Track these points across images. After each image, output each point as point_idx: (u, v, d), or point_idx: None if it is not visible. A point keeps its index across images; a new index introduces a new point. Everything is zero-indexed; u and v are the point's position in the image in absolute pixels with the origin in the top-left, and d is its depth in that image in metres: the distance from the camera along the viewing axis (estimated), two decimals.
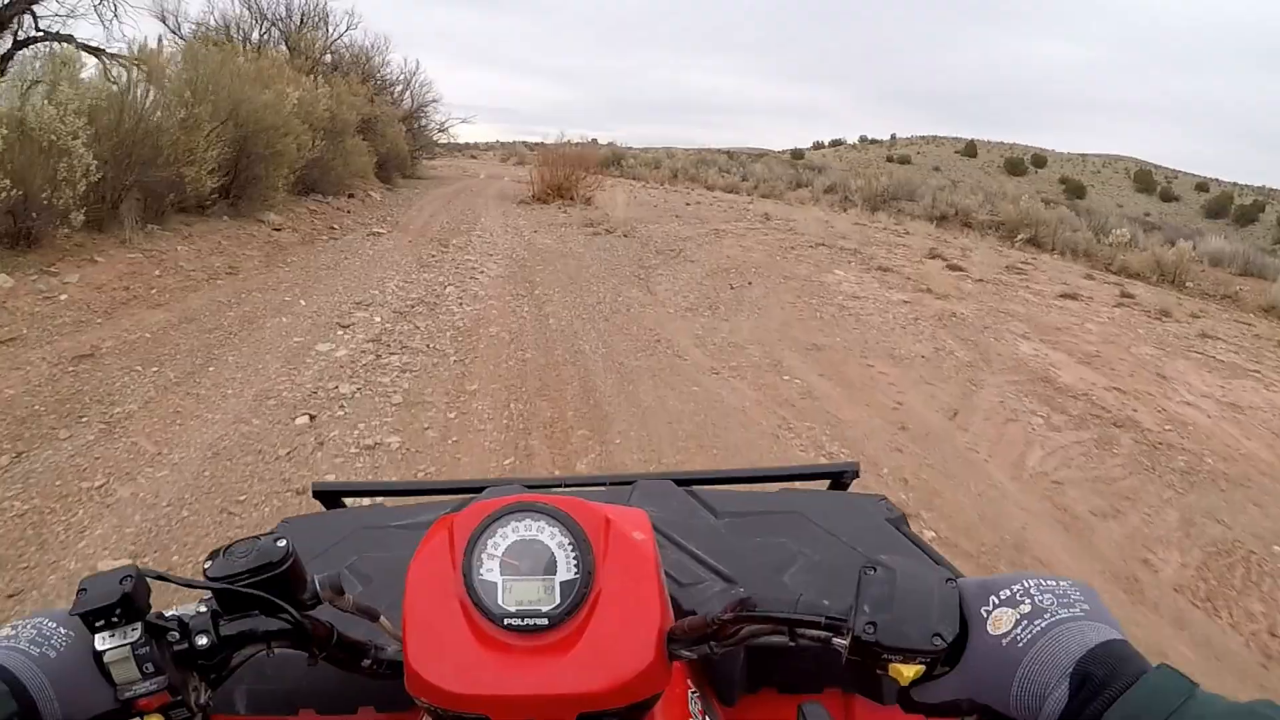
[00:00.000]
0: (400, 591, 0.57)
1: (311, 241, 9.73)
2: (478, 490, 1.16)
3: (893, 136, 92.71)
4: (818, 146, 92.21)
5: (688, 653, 0.58)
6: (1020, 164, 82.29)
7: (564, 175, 17.18)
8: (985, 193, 28.35)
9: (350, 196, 14.18)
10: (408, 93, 25.47)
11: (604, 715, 0.53)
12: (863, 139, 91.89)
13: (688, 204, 18.59)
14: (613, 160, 32.27)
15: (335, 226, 11.06)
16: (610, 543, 0.58)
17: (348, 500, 1.28)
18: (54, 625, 0.52)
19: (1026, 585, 0.47)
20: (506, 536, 0.58)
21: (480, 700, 0.52)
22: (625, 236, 11.17)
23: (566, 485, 1.18)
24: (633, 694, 0.53)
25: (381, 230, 11.11)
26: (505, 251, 9.76)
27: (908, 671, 0.47)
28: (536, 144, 65.26)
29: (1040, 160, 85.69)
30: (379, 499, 1.44)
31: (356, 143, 13.67)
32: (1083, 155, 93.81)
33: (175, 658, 0.53)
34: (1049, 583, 0.47)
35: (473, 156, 53.14)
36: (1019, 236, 18.77)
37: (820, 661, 0.79)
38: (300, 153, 10.72)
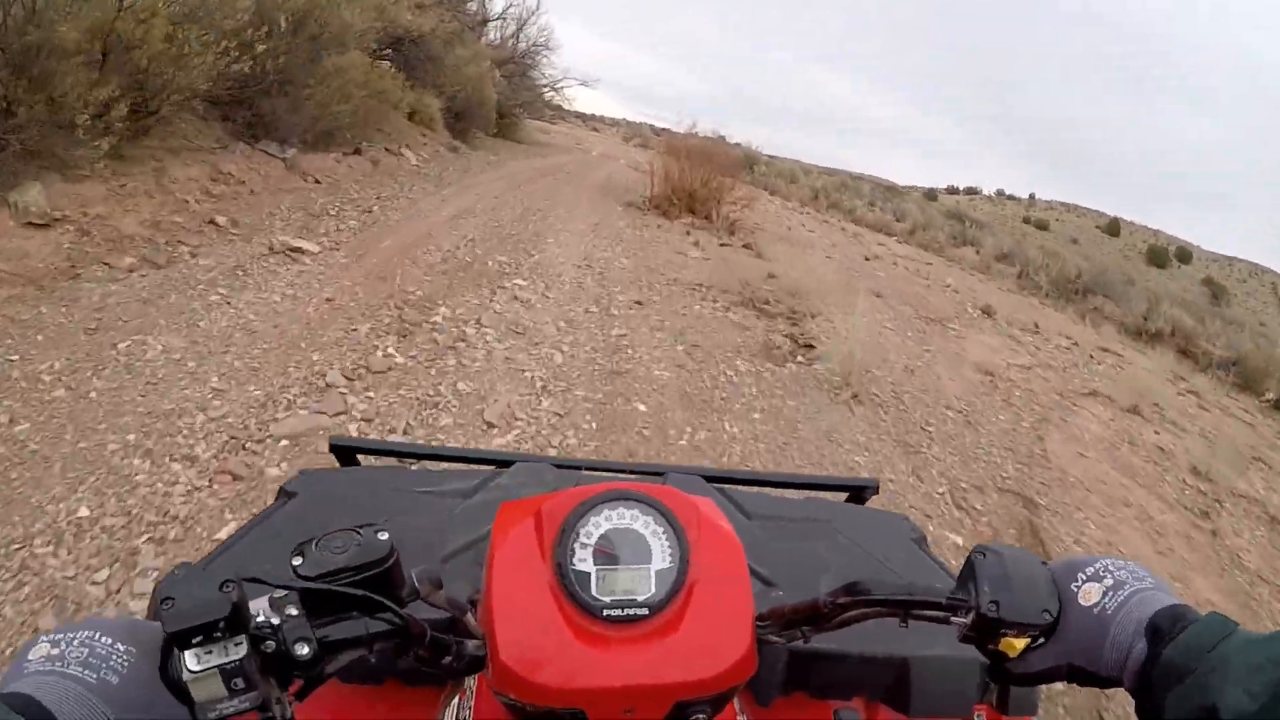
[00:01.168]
0: (432, 558, 0.57)
1: (55, 280, 3.50)
2: (503, 464, 1.05)
3: (1031, 196, 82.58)
4: (951, 191, 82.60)
5: (776, 638, 0.56)
6: (1164, 255, 71.41)
7: (700, 179, 10.69)
8: (1221, 319, 20.82)
9: (353, 153, 7.96)
10: (520, 34, 18.95)
11: (697, 703, 0.50)
12: (999, 193, 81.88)
13: (867, 258, 11.96)
14: (745, 163, 26.34)
15: (221, 221, 4.84)
16: (701, 531, 0.55)
17: (363, 459, 1.13)
18: (110, 641, 0.40)
19: (1105, 564, 0.50)
20: (600, 525, 0.54)
21: (579, 693, 0.48)
22: (857, 403, 4.38)
23: (595, 469, 1.09)
24: (730, 680, 0.50)
25: (314, 247, 4.84)
26: (542, 415, 3.26)
27: (1019, 644, 0.49)
28: (663, 129, 58.58)
29: (1185, 255, 74.48)
30: (397, 460, 1.17)
31: (360, 60, 7.28)
32: (1230, 259, 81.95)
33: (263, 667, 0.42)
34: (1119, 562, 0.50)
35: (594, 129, 46.47)
36: (1267, 394, 11.66)
37: (851, 670, 0.75)
38: (160, 57, 4.46)
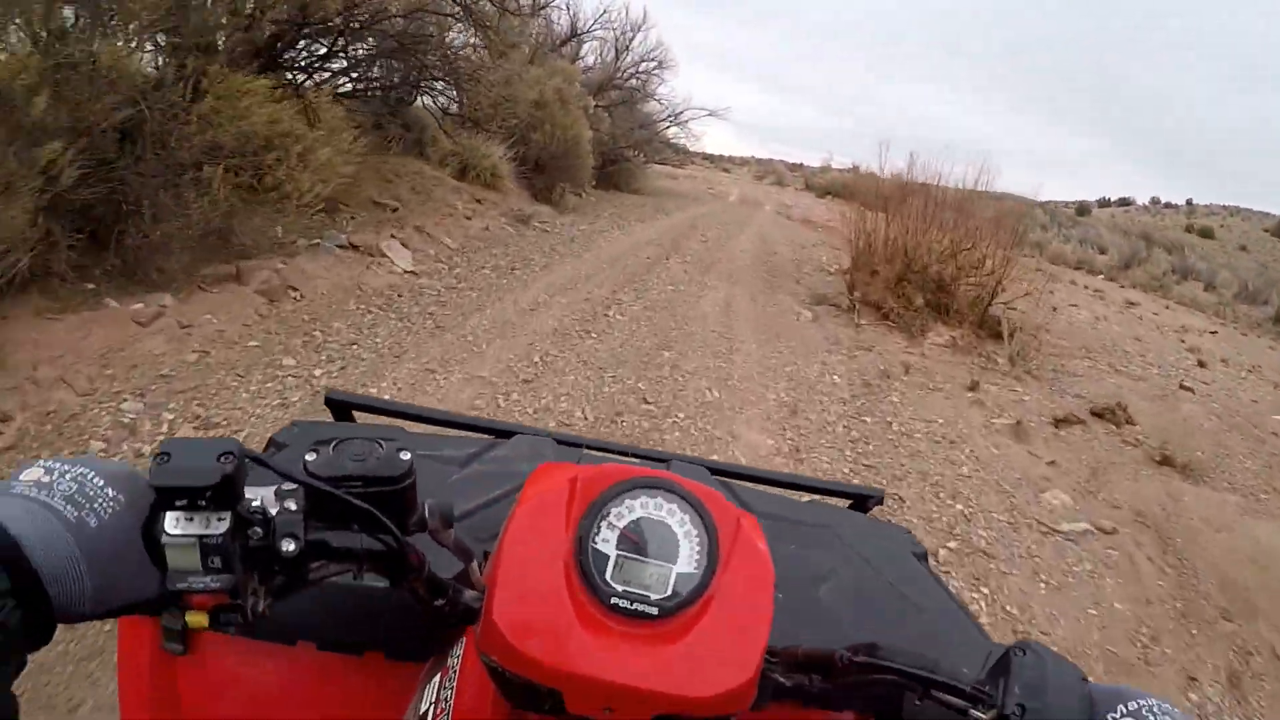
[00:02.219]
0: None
1: None
2: (504, 434, 0.93)
3: (1189, 202, 69.48)
4: (1104, 204, 70.76)
5: (781, 678, 0.50)
6: None
7: (949, 250, 5.28)
8: None
9: (232, 280, 3.15)
10: (623, 53, 13.20)
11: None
12: (1155, 201, 69.25)
13: (1201, 361, 6.07)
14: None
15: None
16: (737, 546, 0.46)
17: (358, 416, 0.99)
18: (101, 483, 0.36)
19: (1149, 703, 0.43)
20: (633, 510, 0.45)
21: (561, 675, 0.41)
22: None
23: (597, 448, 0.97)
24: (718, 708, 0.43)
25: None
26: None
27: None
28: (797, 164, 51.63)
29: None
30: (393, 420, 1.00)
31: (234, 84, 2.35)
32: None
33: (245, 555, 0.38)
34: (1165, 705, 0.42)
35: (725, 169, 39.76)
36: None
37: (849, 685, 0.58)
38: None
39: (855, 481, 2.70)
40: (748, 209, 13.85)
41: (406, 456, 0.43)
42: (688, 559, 0.44)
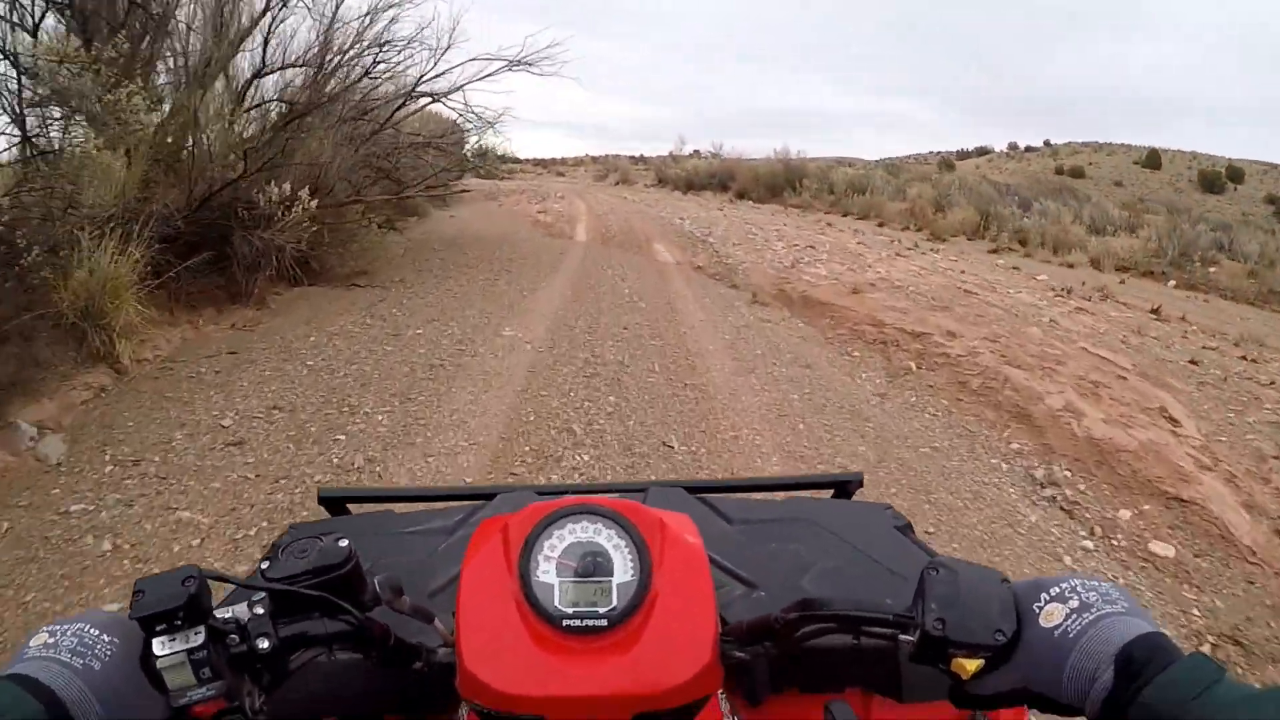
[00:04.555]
0: (417, 595, 0.55)
1: None
2: (488, 497, 0.99)
3: (1047, 143, 74.95)
4: (963, 156, 74.24)
5: (740, 653, 0.54)
6: (1217, 179, 60.68)
7: None
8: None
9: None
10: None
11: (658, 715, 0.48)
12: (1013, 146, 74.70)
13: None
14: (785, 182, 17.62)
15: None
16: (665, 545, 0.52)
17: (353, 508, 1.07)
18: (96, 633, 0.43)
19: (1073, 584, 0.45)
20: (564, 539, 0.52)
21: (538, 701, 0.46)
22: None
23: (579, 491, 1.03)
24: (689, 693, 0.48)
25: None
26: None
27: (970, 665, 0.45)
28: (638, 157, 43.71)
29: (1236, 174, 63.14)
30: (385, 506, 1.09)
31: None
32: (1271, 165, 69.76)
33: (231, 661, 0.44)
34: (1091, 583, 0.45)
35: (559, 174, 32.85)
36: None
37: (841, 662, 0.69)
38: None
39: None
40: (633, 271, 6.91)
41: (344, 544, 0.48)
42: (623, 569, 0.49)
